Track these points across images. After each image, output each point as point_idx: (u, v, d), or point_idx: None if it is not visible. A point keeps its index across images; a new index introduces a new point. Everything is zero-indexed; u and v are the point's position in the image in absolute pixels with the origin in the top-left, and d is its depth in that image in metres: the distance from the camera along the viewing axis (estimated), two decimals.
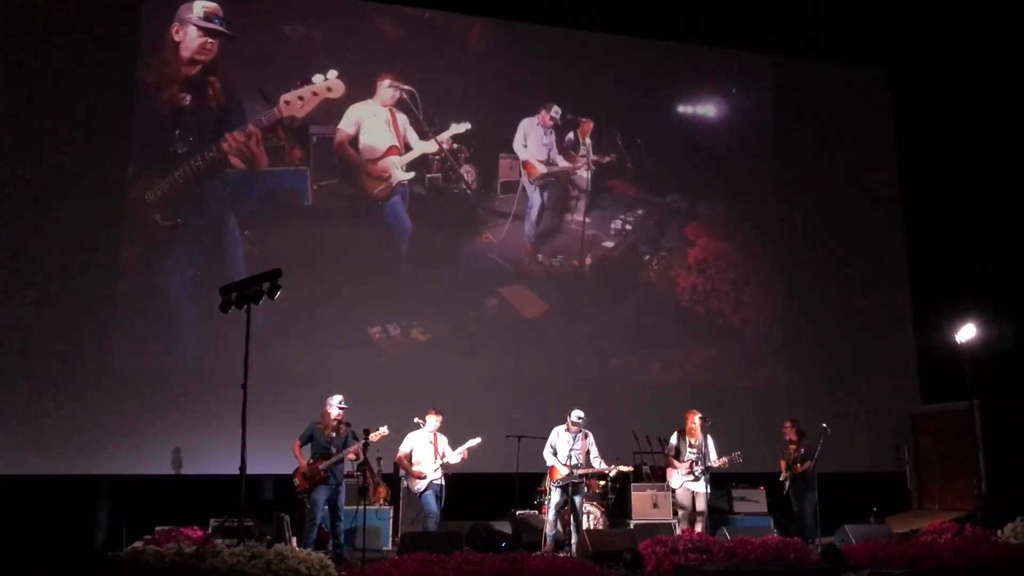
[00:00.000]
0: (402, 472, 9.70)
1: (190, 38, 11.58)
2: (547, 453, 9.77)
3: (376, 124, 12.21)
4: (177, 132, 11.46)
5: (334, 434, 9.04)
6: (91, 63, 11.19)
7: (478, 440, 9.60)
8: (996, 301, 11.78)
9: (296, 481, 8.99)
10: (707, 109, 13.81)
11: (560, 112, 12.93)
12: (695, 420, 9.91)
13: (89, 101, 11.10)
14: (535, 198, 12.78)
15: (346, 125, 12.05)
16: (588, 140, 13.05)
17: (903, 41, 13.83)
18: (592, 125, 13.05)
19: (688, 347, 12.97)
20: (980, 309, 10.79)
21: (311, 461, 8.96)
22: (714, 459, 9.78)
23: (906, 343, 13.65)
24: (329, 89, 11.95)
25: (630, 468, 10.39)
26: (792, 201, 13.78)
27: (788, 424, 10.56)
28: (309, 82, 11.91)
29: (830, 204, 13.87)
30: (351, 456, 9.03)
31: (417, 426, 9.71)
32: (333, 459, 8.92)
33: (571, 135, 13.00)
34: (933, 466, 12.08)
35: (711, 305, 13.20)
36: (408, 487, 9.61)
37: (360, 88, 12.19)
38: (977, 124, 13.23)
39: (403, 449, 9.55)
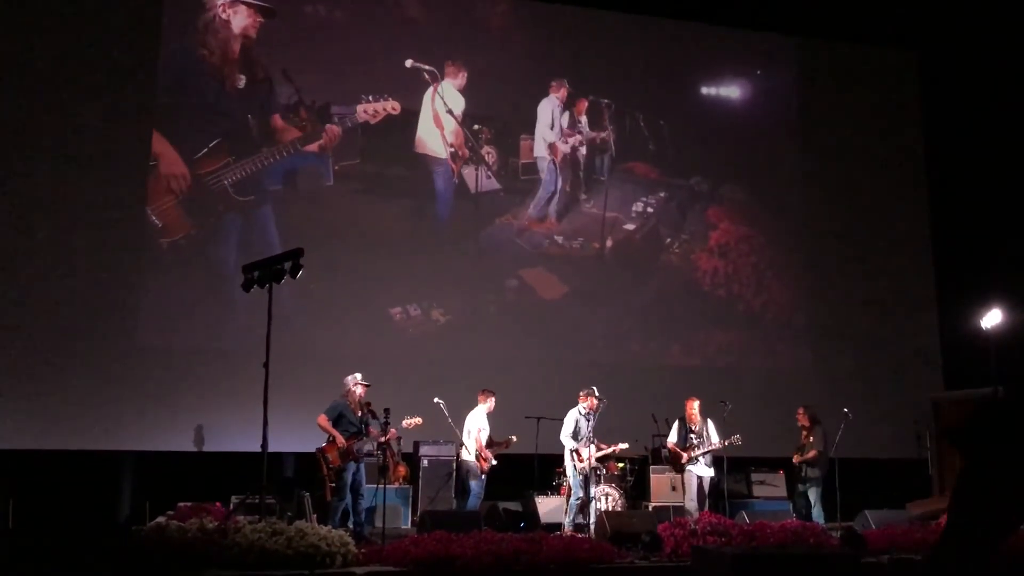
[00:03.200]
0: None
1: (241, 16, 11.62)
2: (567, 437, 9.78)
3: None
4: (204, 111, 11.50)
5: (359, 413, 9.10)
6: (118, 36, 11.23)
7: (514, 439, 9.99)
8: (1023, 286, 11.62)
9: (330, 456, 8.95)
10: (731, 91, 13.68)
11: (568, 88, 12.77)
12: (695, 407, 9.97)
13: (114, 77, 11.15)
14: (557, 180, 12.73)
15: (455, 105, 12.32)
16: (583, 118, 12.94)
17: (932, 24, 13.61)
18: (587, 103, 12.92)
19: (709, 331, 12.91)
20: (1006, 294, 10.64)
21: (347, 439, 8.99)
22: (716, 442, 9.77)
23: (930, 328, 13.52)
24: (394, 108, 12.04)
25: (626, 444, 10.35)
26: (816, 185, 13.64)
27: (800, 410, 10.52)
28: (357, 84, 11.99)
29: (855, 188, 13.72)
30: (383, 439, 9.06)
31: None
32: (368, 440, 8.98)
33: (567, 113, 12.88)
34: (955, 453, 11.95)
35: (732, 289, 13.13)
36: (476, 466, 9.74)
37: (386, 66, 12.16)
38: (1006, 108, 13.00)
39: (478, 428, 9.76)
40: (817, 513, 10.22)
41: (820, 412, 11.16)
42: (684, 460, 9.83)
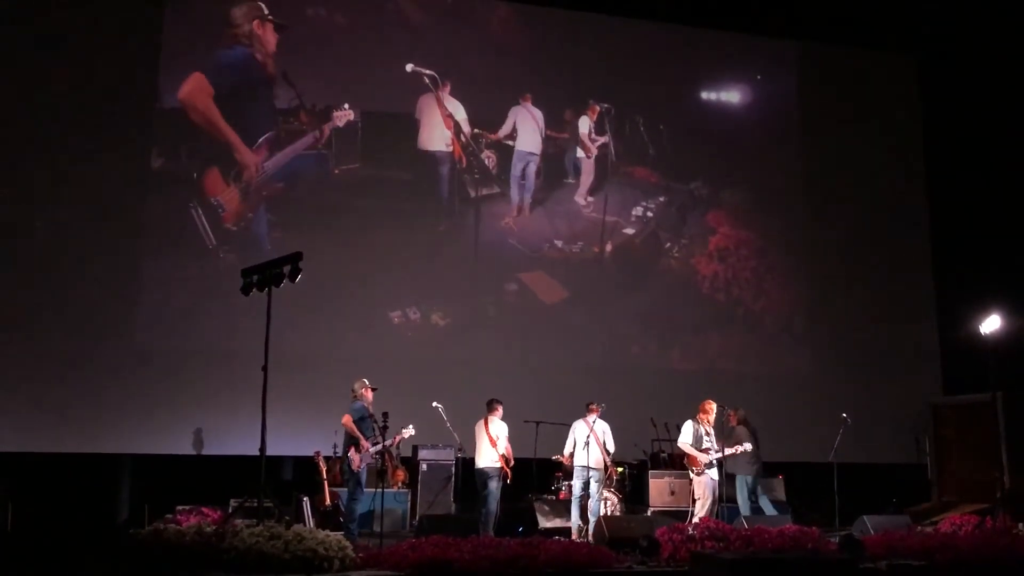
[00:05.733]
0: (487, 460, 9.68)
1: (269, 32, 11.77)
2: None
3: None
4: (202, 112, 11.52)
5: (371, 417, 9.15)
6: (115, 56, 11.25)
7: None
8: (1022, 292, 11.63)
9: (353, 459, 8.96)
10: (731, 96, 13.70)
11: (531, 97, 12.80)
12: (714, 410, 9.81)
13: (113, 88, 11.17)
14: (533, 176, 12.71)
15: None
16: (593, 124, 12.96)
17: (931, 28, 13.63)
18: (599, 110, 12.96)
19: (708, 335, 12.91)
20: (1005, 300, 10.65)
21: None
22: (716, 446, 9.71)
23: (929, 333, 13.52)
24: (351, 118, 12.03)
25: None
26: (816, 189, 13.65)
27: (731, 412, 10.44)
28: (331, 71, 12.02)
29: (854, 192, 13.73)
30: (391, 442, 9.18)
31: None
32: (382, 445, 9.04)
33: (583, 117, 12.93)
34: (954, 458, 11.98)
35: (732, 293, 13.13)
36: (505, 473, 9.67)
37: (384, 72, 12.18)
38: (1005, 112, 13.03)
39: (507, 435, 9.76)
40: (742, 501, 10.20)
41: (820, 416, 11.15)
42: (703, 464, 9.65)
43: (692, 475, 9.76)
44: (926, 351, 13.43)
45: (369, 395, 9.20)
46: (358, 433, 8.94)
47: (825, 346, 13.17)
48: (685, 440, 9.70)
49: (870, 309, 13.37)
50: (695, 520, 9.26)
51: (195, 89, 11.43)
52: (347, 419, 8.99)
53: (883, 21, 13.63)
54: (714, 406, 9.82)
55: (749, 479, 10.28)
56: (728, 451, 9.67)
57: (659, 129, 13.17)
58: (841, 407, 10.56)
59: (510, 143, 12.58)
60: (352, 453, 8.94)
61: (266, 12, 11.80)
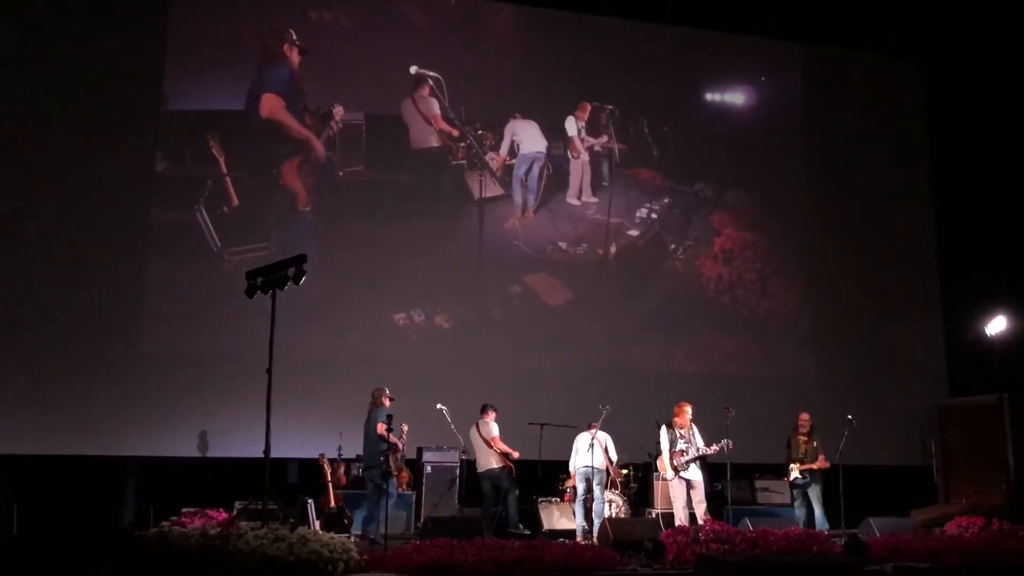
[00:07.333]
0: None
1: (295, 55, 11.90)
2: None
3: None
4: (204, 117, 11.54)
5: None
6: (119, 59, 11.26)
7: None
8: None
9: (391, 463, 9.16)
10: (736, 97, 13.68)
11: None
12: (689, 412, 9.76)
13: (117, 91, 11.18)
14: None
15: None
16: (582, 124, 12.94)
17: (935, 31, 13.61)
18: (589, 109, 12.93)
19: (713, 337, 12.89)
20: (1011, 301, 10.64)
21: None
22: (702, 446, 9.64)
23: (935, 335, 13.49)
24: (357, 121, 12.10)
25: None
26: (820, 191, 13.63)
27: (806, 415, 10.40)
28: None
29: (859, 194, 13.71)
30: (399, 449, 9.43)
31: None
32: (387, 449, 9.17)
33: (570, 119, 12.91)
34: (960, 460, 11.96)
35: (736, 295, 13.11)
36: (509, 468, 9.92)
37: (387, 74, 12.19)
38: (1009, 115, 13.00)
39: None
40: (820, 515, 10.11)
41: (825, 419, 11.12)
42: (673, 466, 9.65)
43: (663, 480, 9.76)
44: (932, 353, 13.40)
45: (388, 404, 9.29)
46: (394, 439, 9.06)
47: (830, 348, 13.14)
48: (664, 448, 9.69)
49: (875, 311, 13.34)
50: (676, 522, 9.30)
51: (274, 107, 11.72)
52: (381, 427, 9.03)
53: (887, 23, 13.61)
54: (688, 409, 9.75)
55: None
56: (712, 449, 9.61)
57: (663, 131, 13.16)
58: (846, 409, 10.52)
59: (512, 162, 12.56)
60: (389, 461, 9.06)
61: (295, 38, 11.88)
